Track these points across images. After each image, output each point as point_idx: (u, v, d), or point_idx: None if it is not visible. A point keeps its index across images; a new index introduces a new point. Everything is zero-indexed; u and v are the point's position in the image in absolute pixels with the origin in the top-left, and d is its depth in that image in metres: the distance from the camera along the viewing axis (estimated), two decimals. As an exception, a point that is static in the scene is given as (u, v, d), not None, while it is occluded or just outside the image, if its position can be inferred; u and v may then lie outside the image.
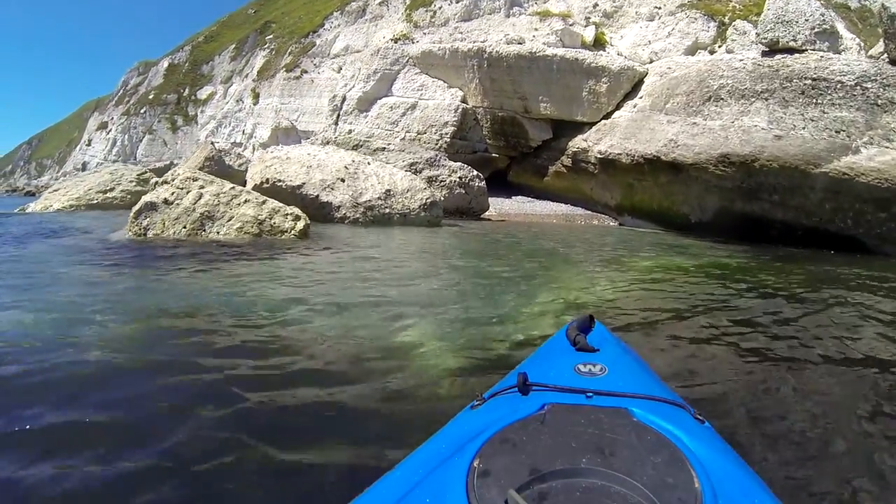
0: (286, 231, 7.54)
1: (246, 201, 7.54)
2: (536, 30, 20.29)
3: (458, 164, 13.83)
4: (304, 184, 10.21)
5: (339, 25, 31.60)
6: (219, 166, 10.92)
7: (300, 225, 7.67)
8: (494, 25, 21.41)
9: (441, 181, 13.14)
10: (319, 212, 10.16)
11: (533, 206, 19.20)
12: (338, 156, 10.37)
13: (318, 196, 10.13)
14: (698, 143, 11.78)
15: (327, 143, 22.86)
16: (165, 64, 50.42)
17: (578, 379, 1.29)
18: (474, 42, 20.05)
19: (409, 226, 10.16)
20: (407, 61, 21.89)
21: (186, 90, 47.52)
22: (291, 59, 32.47)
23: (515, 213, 17.74)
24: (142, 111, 45.72)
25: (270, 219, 7.44)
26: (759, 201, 11.22)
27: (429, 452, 1.07)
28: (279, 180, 10.10)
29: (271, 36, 39.39)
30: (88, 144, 48.11)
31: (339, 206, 10.04)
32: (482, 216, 14.50)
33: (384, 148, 16.66)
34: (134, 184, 12.83)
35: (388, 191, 10.23)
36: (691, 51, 18.22)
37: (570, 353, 1.49)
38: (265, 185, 10.07)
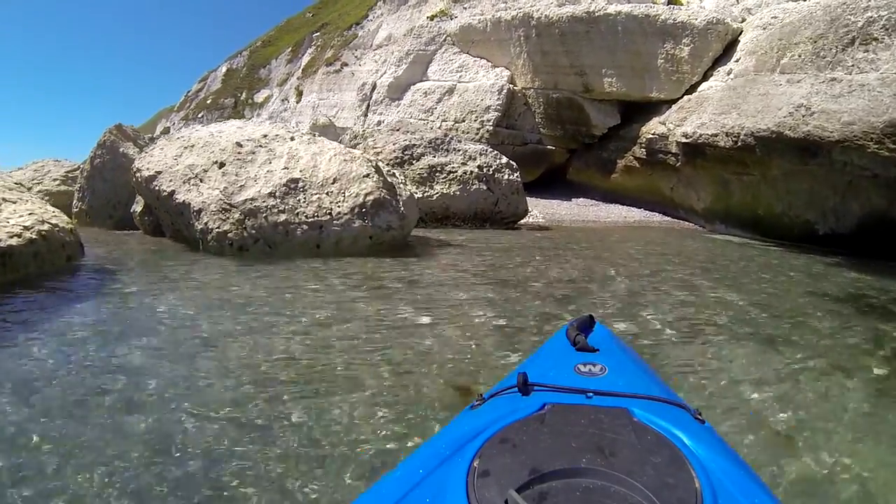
0: None
1: None
2: (598, -9, 16.39)
3: (480, 147, 10.06)
4: (159, 174, 6.37)
5: (381, 15, 28.96)
6: (111, 155, 8.06)
7: None
8: (546, -10, 17.70)
9: (450, 172, 9.41)
10: (180, 221, 6.35)
11: (596, 210, 15.58)
12: (249, 130, 7.01)
13: (172, 193, 6.17)
14: (846, 108, 7.64)
15: (355, 137, 20.04)
16: (224, 69, 50.47)
17: (578, 379, 1.28)
18: (520, 9, 16.42)
19: (326, 257, 5.72)
20: (444, 40, 18.72)
21: (244, 94, 47.21)
22: (332, 53, 30.21)
23: (572, 219, 14.12)
24: (199, 116, 45.75)
25: None
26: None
27: (429, 452, 1.06)
28: (138, 170, 6.60)
29: (318, 33, 37.60)
30: (149, 151, 48.90)
31: (199, 211, 5.84)
32: (518, 224, 10.72)
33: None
34: (58, 182, 10.46)
35: (295, 181, 5.99)
36: (801, -1, 13.75)
37: (571, 353, 1.45)
38: (134, 181, 6.96)
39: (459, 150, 9.69)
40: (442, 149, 9.61)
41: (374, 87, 20.15)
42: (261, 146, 6.42)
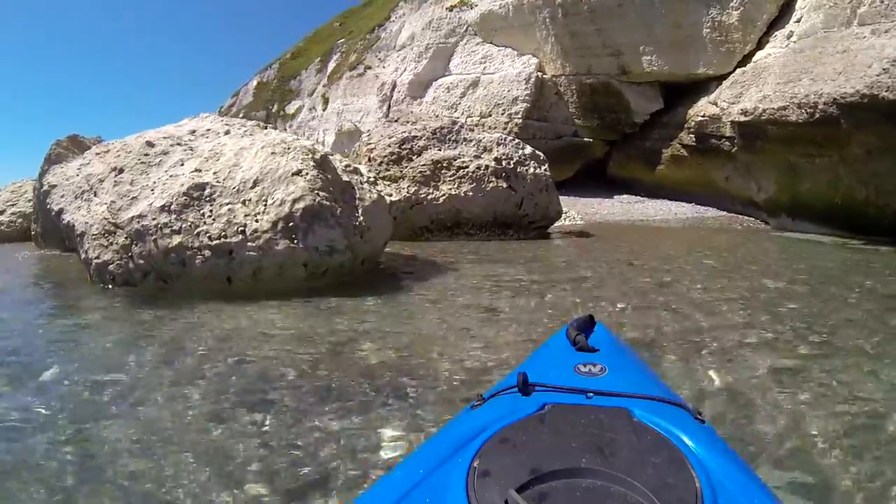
0: None
1: None
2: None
3: (497, 135, 8.51)
4: (53, 188, 5.40)
5: (403, 15, 28.02)
6: (60, 169, 7.12)
7: None
8: (574, -33, 16.26)
9: (460, 168, 7.89)
10: (72, 247, 5.40)
11: (642, 208, 14.20)
12: (183, 128, 5.67)
13: (61, 212, 5.10)
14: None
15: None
16: (255, 82, 50.72)
17: (578, 379, 1.27)
18: (545, -12, 15.06)
19: (239, 297, 4.06)
20: (465, 31, 17.55)
21: (275, 106, 47.38)
22: (356, 57, 29.45)
23: (615, 220, 12.79)
24: (231, 131, 45.88)
25: None
26: None
27: (429, 452, 1.05)
28: (41, 184, 5.79)
29: (342, 40, 37.02)
30: (186, 168, 49.57)
31: (83, 235, 4.51)
32: (551, 229, 9.16)
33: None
34: (33, 204, 9.73)
35: (200, 188, 4.32)
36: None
37: (571, 353, 1.45)
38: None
39: (471, 141, 8.19)
40: (449, 140, 8.15)
41: (394, 86, 19.17)
42: (178, 144, 5.04)
